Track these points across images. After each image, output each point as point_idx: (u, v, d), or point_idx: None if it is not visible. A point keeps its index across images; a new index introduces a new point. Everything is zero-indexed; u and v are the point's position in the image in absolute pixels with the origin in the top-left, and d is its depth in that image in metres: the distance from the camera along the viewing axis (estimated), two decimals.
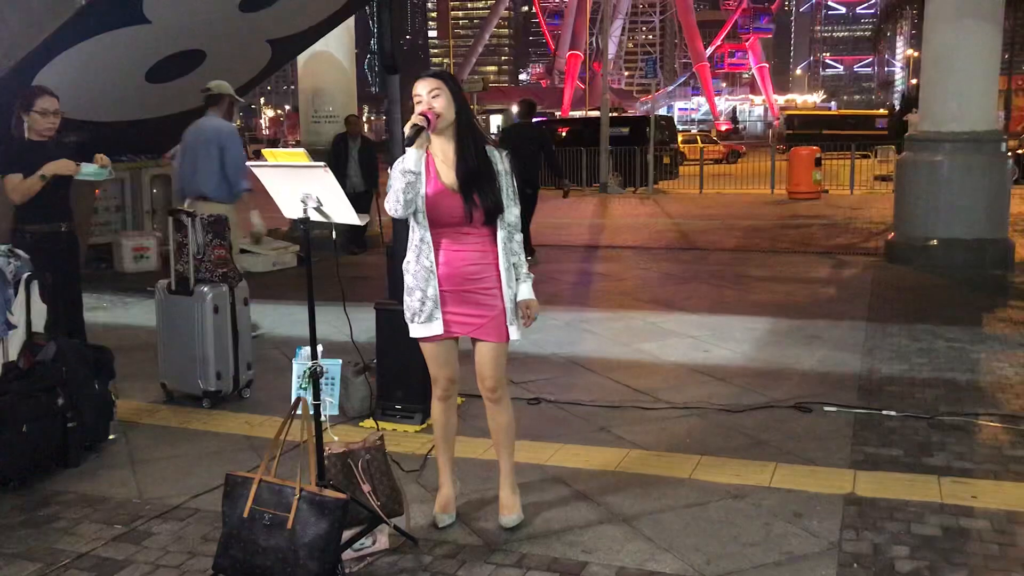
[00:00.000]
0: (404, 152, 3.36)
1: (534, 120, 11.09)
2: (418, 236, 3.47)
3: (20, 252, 4.64)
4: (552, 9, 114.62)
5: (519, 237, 3.54)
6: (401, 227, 5.11)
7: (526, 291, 3.53)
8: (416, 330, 3.54)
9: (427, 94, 3.40)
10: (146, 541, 3.60)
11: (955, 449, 4.43)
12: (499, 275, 3.48)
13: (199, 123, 6.84)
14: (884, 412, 4.98)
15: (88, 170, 5.13)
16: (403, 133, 3.35)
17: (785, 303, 8.17)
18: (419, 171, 3.38)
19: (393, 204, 3.37)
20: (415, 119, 3.34)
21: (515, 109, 12.05)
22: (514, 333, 3.53)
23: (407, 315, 3.54)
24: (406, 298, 3.52)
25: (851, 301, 8.23)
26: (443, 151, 3.47)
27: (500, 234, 3.47)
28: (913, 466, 4.22)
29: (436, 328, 3.49)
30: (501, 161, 3.50)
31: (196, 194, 6.63)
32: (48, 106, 5.13)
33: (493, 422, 3.68)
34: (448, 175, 3.44)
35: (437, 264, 3.45)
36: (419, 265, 3.47)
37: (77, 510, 3.92)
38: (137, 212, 11.12)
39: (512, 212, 3.50)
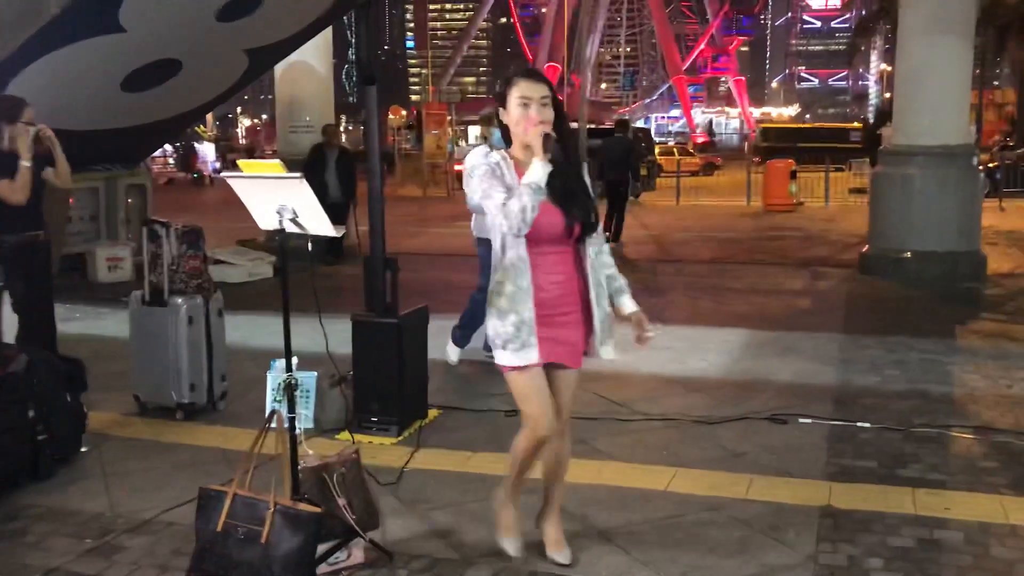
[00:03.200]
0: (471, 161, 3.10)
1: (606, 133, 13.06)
2: (513, 254, 3.11)
3: None
4: (524, 1, 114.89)
5: (607, 248, 3.34)
6: (378, 236, 5.10)
7: (631, 303, 3.30)
8: (508, 358, 3.14)
9: (538, 100, 3.10)
10: (117, 556, 3.55)
11: (929, 461, 4.46)
12: (589, 294, 3.22)
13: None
14: (859, 424, 5.01)
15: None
16: (493, 139, 3.22)
17: (761, 315, 8.21)
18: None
19: (518, 223, 2.98)
20: (542, 129, 3.05)
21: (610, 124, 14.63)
22: (609, 352, 3.29)
23: (497, 342, 3.16)
24: (496, 323, 3.14)
25: (826, 313, 8.29)
26: (528, 164, 3.11)
27: (590, 250, 3.23)
28: (888, 478, 4.24)
29: (531, 356, 3.12)
30: (586, 174, 3.31)
31: None
32: (32, 118, 5.16)
33: (554, 453, 3.37)
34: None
35: (533, 285, 3.13)
36: (515, 286, 3.10)
37: (47, 524, 3.87)
38: (111, 222, 11.02)
39: (598, 225, 3.28)
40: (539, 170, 2.99)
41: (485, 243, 6.40)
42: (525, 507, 3.87)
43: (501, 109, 3.18)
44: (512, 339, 3.11)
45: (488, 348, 6.54)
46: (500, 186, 3.06)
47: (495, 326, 3.15)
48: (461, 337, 6.51)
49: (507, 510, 3.48)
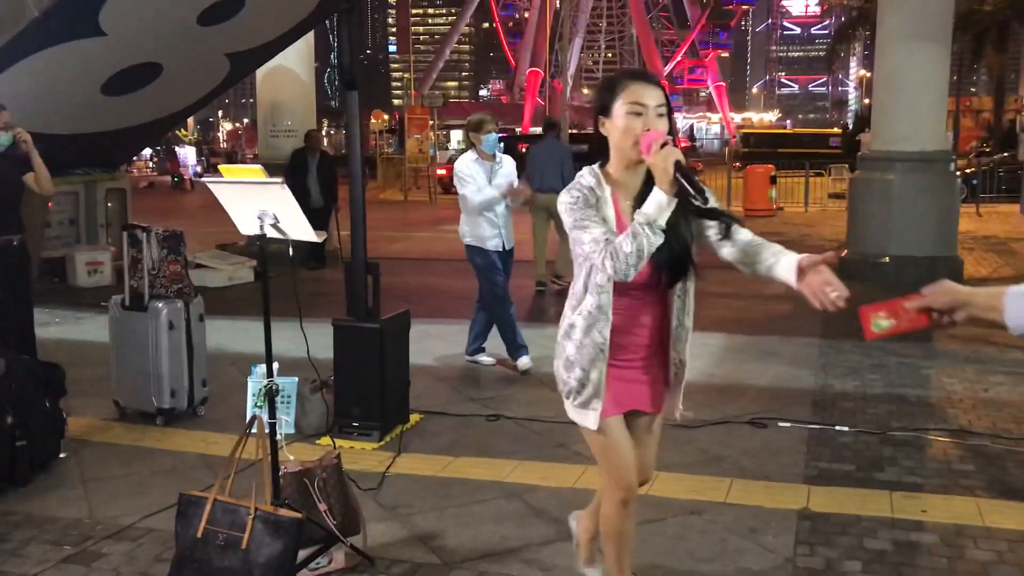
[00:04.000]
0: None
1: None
2: (593, 301, 2.62)
3: None
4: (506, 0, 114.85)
5: (743, 230, 2.77)
6: (360, 241, 5.10)
7: (794, 255, 2.68)
8: (569, 411, 2.76)
9: (654, 108, 2.52)
10: (96, 562, 3.54)
11: (906, 464, 4.50)
12: (670, 336, 2.79)
13: (546, 143, 10.05)
14: (837, 428, 5.05)
15: (3, 139, 5.20)
16: (590, 159, 2.67)
17: (741, 319, 8.26)
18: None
19: (625, 268, 2.44)
20: (672, 153, 2.40)
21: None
22: (678, 413, 2.89)
23: (562, 389, 2.75)
24: (561, 370, 2.73)
25: (805, 317, 8.30)
26: (629, 187, 2.62)
27: (686, 285, 2.79)
28: (865, 481, 4.28)
29: (589, 420, 2.68)
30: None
31: (549, 189, 8.88)
32: (8, 121, 5.14)
33: (631, 523, 2.86)
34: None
35: (611, 333, 2.64)
36: (588, 338, 2.64)
37: (25, 531, 3.84)
38: (91, 226, 10.95)
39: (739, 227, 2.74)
40: (664, 206, 2.41)
41: (474, 250, 6.29)
42: (503, 512, 3.88)
43: (602, 118, 2.60)
44: (574, 394, 2.70)
45: (471, 353, 6.56)
46: (597, 216, 2.54)
47: (560, 372, 2.74)
48: (517, 347, 6.33)
49: None
